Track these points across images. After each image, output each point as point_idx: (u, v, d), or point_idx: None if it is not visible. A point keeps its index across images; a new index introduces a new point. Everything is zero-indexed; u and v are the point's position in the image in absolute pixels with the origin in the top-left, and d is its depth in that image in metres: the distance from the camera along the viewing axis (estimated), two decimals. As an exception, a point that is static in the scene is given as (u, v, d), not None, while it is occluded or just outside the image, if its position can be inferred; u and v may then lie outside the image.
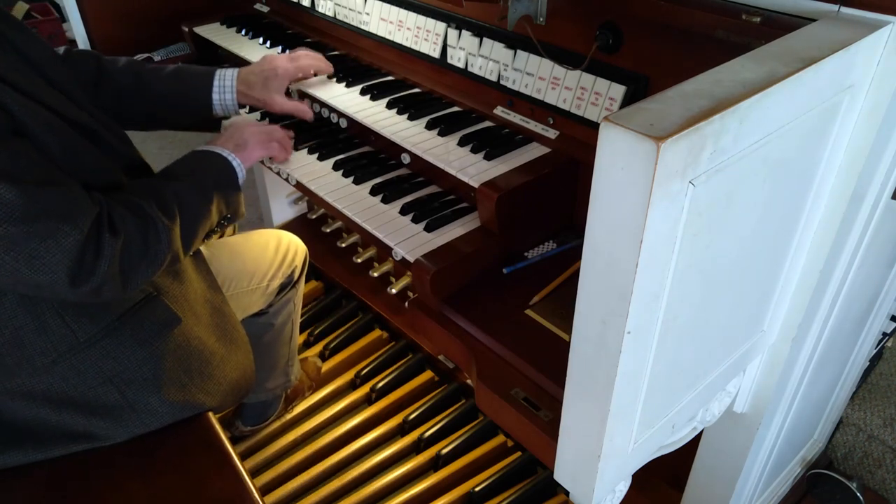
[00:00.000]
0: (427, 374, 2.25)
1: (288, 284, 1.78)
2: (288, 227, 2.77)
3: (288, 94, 1.62)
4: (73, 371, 1.23)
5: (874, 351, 1.87)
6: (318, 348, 2.34)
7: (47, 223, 1.02)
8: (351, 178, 1.52)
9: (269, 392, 2.00)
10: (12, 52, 1.15)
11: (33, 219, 1.00)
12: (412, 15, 1.69)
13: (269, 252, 1.71)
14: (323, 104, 1.69)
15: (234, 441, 2.06)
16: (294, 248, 1.78)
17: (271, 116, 1.76)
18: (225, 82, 1.53)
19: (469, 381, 2.15)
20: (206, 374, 1.38)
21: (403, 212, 1.41)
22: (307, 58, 1.65)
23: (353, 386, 2.26)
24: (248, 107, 1.76)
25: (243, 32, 2.04)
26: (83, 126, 1.17)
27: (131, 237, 1.12)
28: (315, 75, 1.72)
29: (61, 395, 1.24)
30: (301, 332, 2.39)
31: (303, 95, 1.75)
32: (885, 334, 1.92)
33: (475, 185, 1.31)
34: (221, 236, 1.48)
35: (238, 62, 1.86)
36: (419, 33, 1.68)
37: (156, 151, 3.86)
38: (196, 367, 1.36)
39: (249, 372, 1.52)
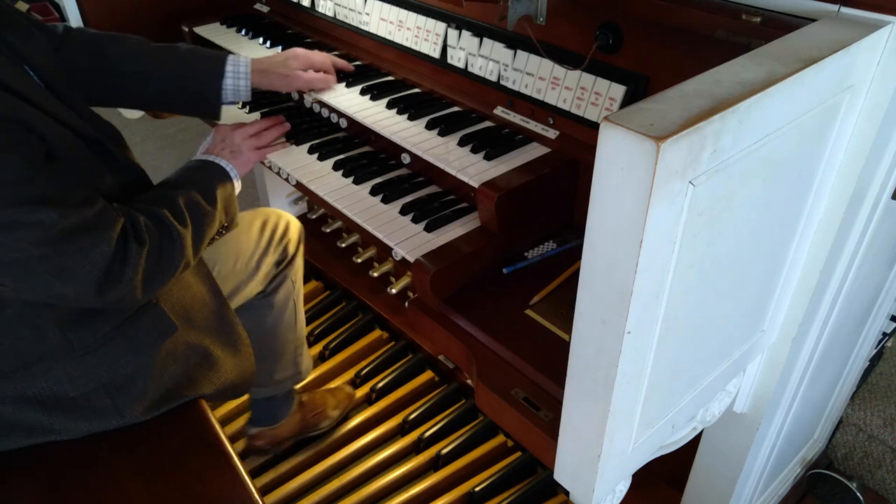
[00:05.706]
0: (427, 375, 2.25)
1: (283, 261, 1.73)
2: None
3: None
4: (66, 377, 1.24)
5: (874, 351, 1.88)
6: (318, 348, 2.34)
7: (80, 239, 1.07)
8: (351, 178, 1.52)
9: (278, 385, 1.89)
10: (12, 56, 1.17)
11: (68, 237, 1.06)
12: (412, 15, 1.69)
13: (253, 231, 1.65)
14: (323, 104, 1.69)
15: (248, 455, 2.01)
16: (284, 223, 1.72)
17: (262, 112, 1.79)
18: (239, 68, 1.52)
19: (469, 381, 2.15)
20: (195, 377, 1.40)
21: (403, 212, 1.41)
22: (320, 55, 1.67)
23: (353, 386, 2.26)
24: (239, 103, 1.76)
25: (243, 32, 2.03)
26: (87, 137, 1.21)
27: (153, 246, 1.17)
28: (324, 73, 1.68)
29: (52, 398, 1.25)
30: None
31: (302, 95, 1.75)
32: (885, 334, 1.92)
33: (475, 185, 1.31)
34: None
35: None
36: (419, 33, 1.68)
37: (155, 151, 3.85)
38: (188, 370, 1.38)
39: (248, 374, 1.53)
